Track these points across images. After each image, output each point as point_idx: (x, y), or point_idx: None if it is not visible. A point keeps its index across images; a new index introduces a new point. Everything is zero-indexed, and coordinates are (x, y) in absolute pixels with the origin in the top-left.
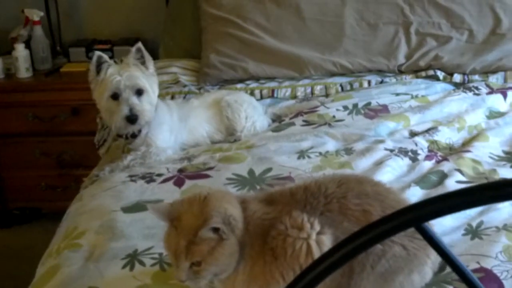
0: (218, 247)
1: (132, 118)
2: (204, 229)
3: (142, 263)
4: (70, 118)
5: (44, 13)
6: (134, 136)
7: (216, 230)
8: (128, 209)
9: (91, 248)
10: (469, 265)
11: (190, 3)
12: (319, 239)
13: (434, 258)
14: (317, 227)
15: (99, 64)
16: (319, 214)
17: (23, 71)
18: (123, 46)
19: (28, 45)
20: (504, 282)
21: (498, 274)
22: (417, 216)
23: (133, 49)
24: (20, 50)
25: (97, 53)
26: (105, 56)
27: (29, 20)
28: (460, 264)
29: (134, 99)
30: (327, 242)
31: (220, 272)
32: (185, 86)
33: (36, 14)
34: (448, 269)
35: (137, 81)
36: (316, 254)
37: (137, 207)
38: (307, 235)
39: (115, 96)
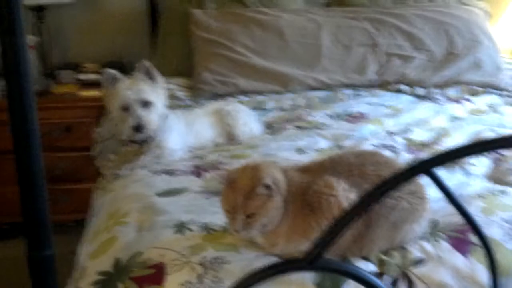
0: (268, 202)
1: (138, 128)
2: (259, 186)
3: (190, 230)
4: (62, 135)
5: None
6: (145, 141)
7: (267, 187)
8: (162, 194)
9: (139, 223)
10: (456, 220)
11: (178, 28)
12: (346, 195)
13: (427, 214)
14: (345, 186)
15: (112, 79)
16: (344, 177)
17: None
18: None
19: None
20: (484, 230)
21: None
22: (427, 164)
23: (141, 65)
24: None
25: (109, 71)
26: (116, 72)
27: None
28: (458, 201)
29: (141, 111)
30: (353, 197)
31: (268, 223)
32: (182, 100)
33: (31, 39)
34: (440, 226)
35: (144, 95)
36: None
37: (169, 192)
38: (337, 192)
39: (125, 108)
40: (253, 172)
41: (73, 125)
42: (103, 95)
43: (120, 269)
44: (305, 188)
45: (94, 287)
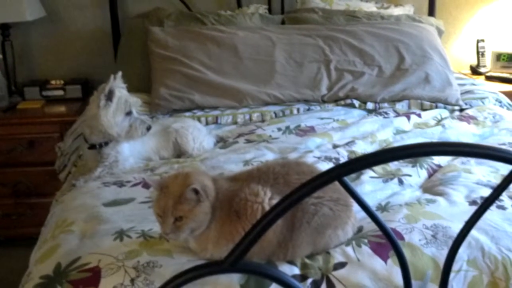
0: (196, 207)
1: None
2: (187, 190)
3: (129, 236)
4: (26, 150)
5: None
6: (103, 145)
7: (196, 192)
8: (108, 204)
9: (83, 231)
10: None
11: (139, 46)
12: (270, 203)
13: (353, 221)
14: (269, 194)
15: (110, 93)
16: (269, 186)
17: None
18: (74, 85)
19: None
20: (404, 235)
21: (399, 231)
22: (339, 173)
23: (118, 75)
24: None
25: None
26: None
27: None
28: (367, 204)
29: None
30: None
31: (196, 228)
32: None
33: None
34: (364, 230)
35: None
36: None
37: (115, 202)
38: (262, 199)
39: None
40: (184, 179)
41: (37, 141)
42: (92, 113)
43: (59, 273)
44: (232, 196)
45: None
